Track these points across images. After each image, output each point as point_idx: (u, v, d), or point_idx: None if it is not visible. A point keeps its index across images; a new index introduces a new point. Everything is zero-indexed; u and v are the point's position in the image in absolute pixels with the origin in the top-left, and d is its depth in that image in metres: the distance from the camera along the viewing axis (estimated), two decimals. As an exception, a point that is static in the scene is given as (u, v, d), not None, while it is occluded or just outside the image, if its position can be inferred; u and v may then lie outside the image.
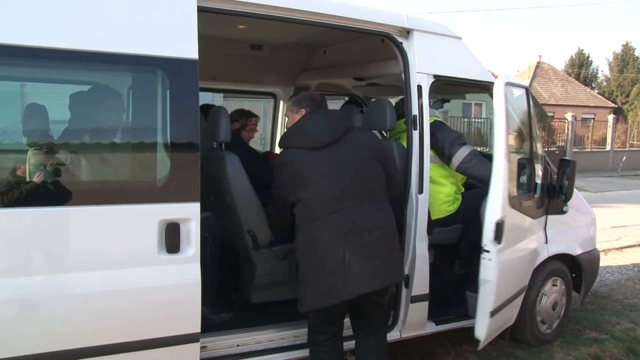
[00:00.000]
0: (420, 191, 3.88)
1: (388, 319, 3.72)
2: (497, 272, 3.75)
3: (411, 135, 3.89)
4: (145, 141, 3.12)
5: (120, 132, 3.20)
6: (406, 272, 3.95)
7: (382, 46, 4.16)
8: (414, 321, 4.06)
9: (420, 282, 3.97)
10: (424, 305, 4.05)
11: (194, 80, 3.06)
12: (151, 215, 2.99)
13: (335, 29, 3.80)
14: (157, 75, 3.05)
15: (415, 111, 3.88)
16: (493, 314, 3.85)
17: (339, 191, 3.24)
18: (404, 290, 3.98)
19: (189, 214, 3.07)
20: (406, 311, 4.00)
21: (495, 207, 3.71)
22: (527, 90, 4.41)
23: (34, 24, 2.74)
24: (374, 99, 6.05)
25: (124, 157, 3.19)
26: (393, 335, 4.06)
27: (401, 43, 3.91)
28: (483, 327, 3.85)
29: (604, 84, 47.72)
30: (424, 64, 3.93)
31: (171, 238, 3.01)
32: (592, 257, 5.22)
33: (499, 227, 3.72)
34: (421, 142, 3.88)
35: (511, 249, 3.97)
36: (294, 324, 3.83)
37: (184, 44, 3.04)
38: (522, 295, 4.50)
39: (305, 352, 3.70)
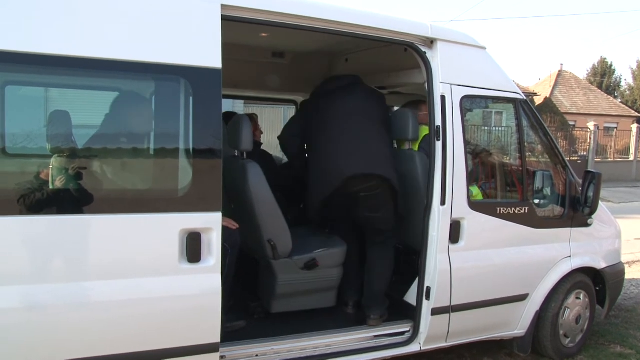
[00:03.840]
0: (443, 202, 3.84)
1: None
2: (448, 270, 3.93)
3: (434, 146, 3.86)
4: (168, 150, 3.13)
5: (143, 140, 3.22)
6: (427, 284, 3.92)
7: (405, 55, 4.13)
8: (435, 334, 4.02)
9: (442, 295, 3.93)
10: (445, 318, 4.01)
11: (217, 89, 3.06)
12: (173, 225, 3.00)
13: (359, 38, 3.79)
14: (181, 84, 3.06)
15: (438, 122, 3.85)
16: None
17: None
18: (424, 303, 3.95)
19: (210, 224, 3.07)
20: (427, 323, 3.96)
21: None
22: (518, 103, 4.38)
23: (65, 34, 2.79)
24: (396, 109, 6.02)
25: (147, 165, 3.21)
26: (413, 348, 4.03)
27: (425, 53, 3.88)
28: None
29: (627, 92, 47.20)
30: (448, 74, 3.89)
31: (192, 247, 3.02)
32: (617, 270, 5.12)
33: (453, 228, 3.91)
34: (444, 153, 3.84)
35: (481, 252, 4.11)
36: (315, 335, 3.82)
37: (207, 53, 3.05)
38: (525, 304, 4.45)
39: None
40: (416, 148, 4.39)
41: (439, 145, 3.85)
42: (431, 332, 3.99)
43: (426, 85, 3.91)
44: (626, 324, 5.77)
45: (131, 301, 2.94)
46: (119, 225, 2.91)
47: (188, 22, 3.05)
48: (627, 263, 7.67)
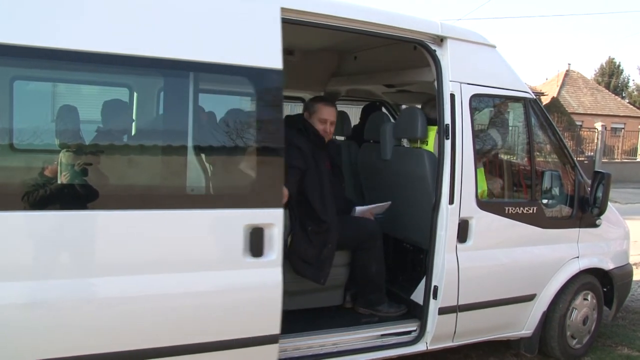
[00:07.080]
0: (451, 202, 3.82)
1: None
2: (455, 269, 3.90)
3: (443, 144, 3.84)
4: (233, 149, 3.24)
5: (213, 140, 3.33)
6: (435, 283, 3.91)
7: (414, 53, 4.11)
8: (442, 333, 4.01)
9: (449, 294, 3.91)
10: (452, 317, 3.99)
11: (279, 89, 3.17)
12: (238, 220, 3.10)
13: (369, 36, 3.77)
14: (246, 85, 3.19)
15: (447, 120, 3.83)
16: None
17: None
18: (432, 302, 3.93)
19: (272, 219, 3.17)
20: (434, 323, 3.95)
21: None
22: (527, 102, 4.34)
23: (142, 37, 2.90)
24: (404, 107, 6.00)
25: (216, 163, 3.30)
26: (420, 347, 4.02)
27: (435, 51, 3.85)
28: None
29: (635, 93, 47.02)
30: (458, 73, 3.87)
31: (256, 242, 3.12)
32: (625, 272, 5.10)
33: (461, 227, 3.89)
34: (453, 152, 3.82)
35: (489, 251, 4.08)
36: (321, 333, 3.81)
37: (270, 53, 3.14)
38: (533, 304, 4.43)
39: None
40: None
41: (447, 143, 3.83)
42: (438, 331, 3.98)
43: (435, 83, 3.89)
44: (633, 326, 5.75)
45: (198, 293, 3.06)
46: (191, 220, 3.02)
47: (252, 23, 3.13)
48: (635, 264, 7.63)
